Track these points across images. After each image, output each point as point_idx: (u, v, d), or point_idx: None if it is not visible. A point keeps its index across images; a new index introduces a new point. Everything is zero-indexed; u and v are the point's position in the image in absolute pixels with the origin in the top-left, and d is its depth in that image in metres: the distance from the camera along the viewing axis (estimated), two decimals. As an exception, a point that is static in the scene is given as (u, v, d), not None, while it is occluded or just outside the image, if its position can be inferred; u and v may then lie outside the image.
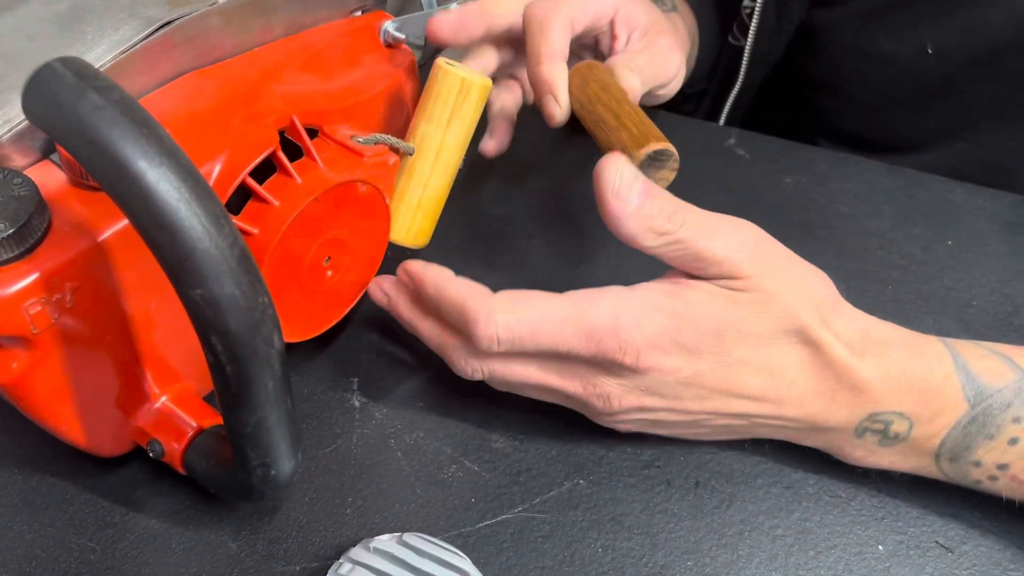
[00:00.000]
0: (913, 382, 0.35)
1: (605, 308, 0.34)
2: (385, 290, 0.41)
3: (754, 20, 0.62)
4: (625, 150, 0.38)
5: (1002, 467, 0.35)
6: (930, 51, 0.57)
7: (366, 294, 0.42)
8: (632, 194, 0.34)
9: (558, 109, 0.43)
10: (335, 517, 0.37)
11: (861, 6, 0.60)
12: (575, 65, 0.44)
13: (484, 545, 0.37)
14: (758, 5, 0.61)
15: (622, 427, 0.38)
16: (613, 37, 0.48)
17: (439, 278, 0.37)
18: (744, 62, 0.65)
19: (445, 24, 0.43)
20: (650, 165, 0.38)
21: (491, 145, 0.49)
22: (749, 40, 0.63)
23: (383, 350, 0.44)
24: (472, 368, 0.37)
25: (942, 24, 0.57)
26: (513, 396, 0.42)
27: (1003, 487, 0.36)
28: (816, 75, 0.66)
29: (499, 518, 0.38)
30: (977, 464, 0.36)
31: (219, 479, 0.34)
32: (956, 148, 0.61)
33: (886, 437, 0.36)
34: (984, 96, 0.58)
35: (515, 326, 0.34)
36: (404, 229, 0.43)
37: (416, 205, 0.42)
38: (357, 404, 0.42)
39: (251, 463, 0.31)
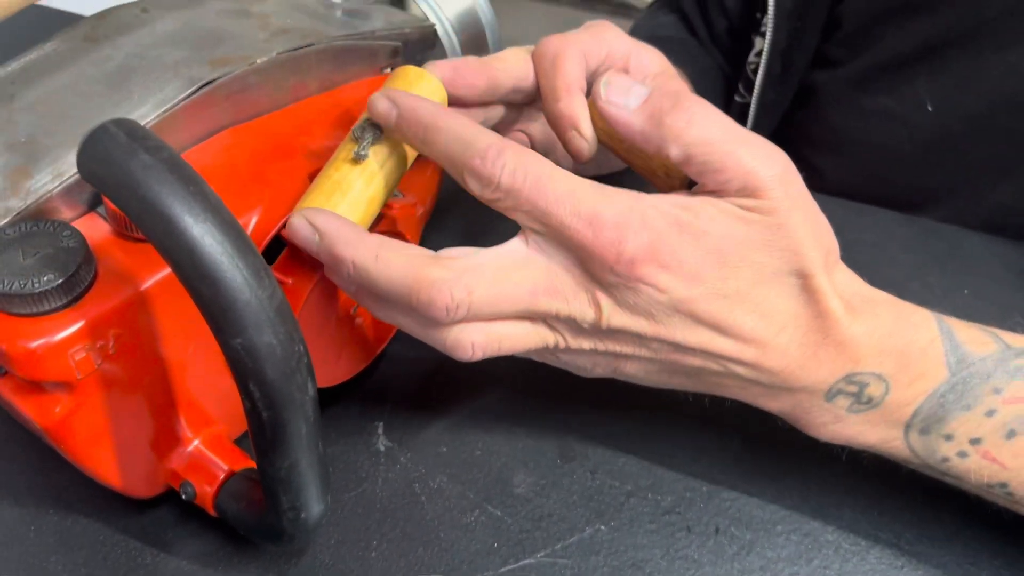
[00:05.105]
0: (897, 343, 0.34)
1: (620, 203, 0.32)
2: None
3: (760, 71, 0.63)
4: (668, 173, 0.36)
5: (975, 441, 0.34)
6: (929, 108, 0.58)
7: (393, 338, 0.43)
8: (631, 97, 0.32)
9: (584, 143, 0.40)
10: (360, 560, 0.38)
11: (857, 66, 0.61)
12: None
13: (507, 590, 0.37)
14: (764, 57, 0.63)
15: (601, 365, 0.36)
16: None
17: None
18: (752, 113, 0.66)
19: (440, 70, 0.41)
20: None
21: None
22: (756, 90, 0.64)
23: (408, 395, 0.45)
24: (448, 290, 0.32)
25: (938, 80, 0.58)
26: (535, 444, 0.42)
27: (972, 466, 0.35)
28: (816, 134, 0.67)
29: (521, 563, 0.38)
30: (948, 438, 0.34)
31: (249, 522, 0.35)
32: (957, 207, 0.61)
33: (858, 401, 0.35)
34: (983, 153, 0.59)
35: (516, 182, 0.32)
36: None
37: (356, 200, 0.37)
38: (382, 448, 0.42)
39: (282, 506, 0.32)
